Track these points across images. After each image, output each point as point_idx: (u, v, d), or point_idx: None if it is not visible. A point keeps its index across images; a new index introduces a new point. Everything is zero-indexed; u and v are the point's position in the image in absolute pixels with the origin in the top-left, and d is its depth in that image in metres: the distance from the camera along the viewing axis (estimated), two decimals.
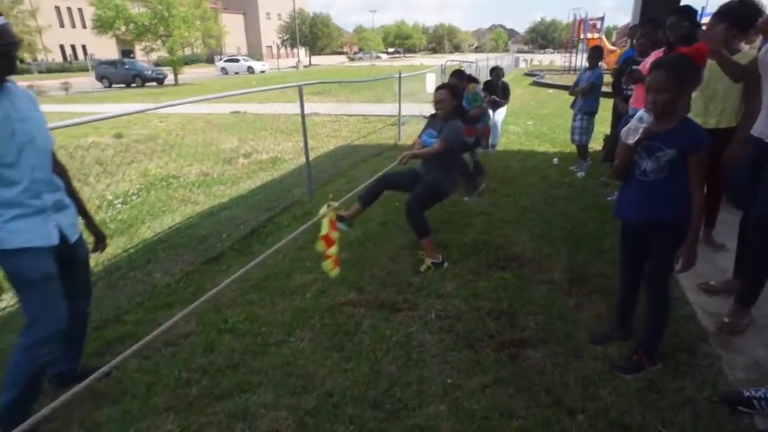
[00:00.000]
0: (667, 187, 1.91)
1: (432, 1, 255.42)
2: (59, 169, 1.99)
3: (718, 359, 2.18)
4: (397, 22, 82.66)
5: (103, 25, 23.61)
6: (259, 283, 3.19)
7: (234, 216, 4.52)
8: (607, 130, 6.02)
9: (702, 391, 2.00)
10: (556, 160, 6.13)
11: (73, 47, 47.45)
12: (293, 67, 42.32)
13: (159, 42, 24.83)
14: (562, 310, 2.71)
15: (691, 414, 1.88)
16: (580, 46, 25.24)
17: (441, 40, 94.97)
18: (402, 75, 8.44)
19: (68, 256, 1.96)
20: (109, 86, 26.52)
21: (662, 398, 1.98)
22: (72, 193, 2.04)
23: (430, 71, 10.49)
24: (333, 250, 2.44)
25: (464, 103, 5.73)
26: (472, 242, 3.67)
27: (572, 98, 5.57)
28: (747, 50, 2.78)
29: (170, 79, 26.23)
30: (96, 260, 3.75)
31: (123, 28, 23.77)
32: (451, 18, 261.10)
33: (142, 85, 26.51)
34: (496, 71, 6.93)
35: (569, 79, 20.17)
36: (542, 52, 74.29)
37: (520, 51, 69.05)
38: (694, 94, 2.99)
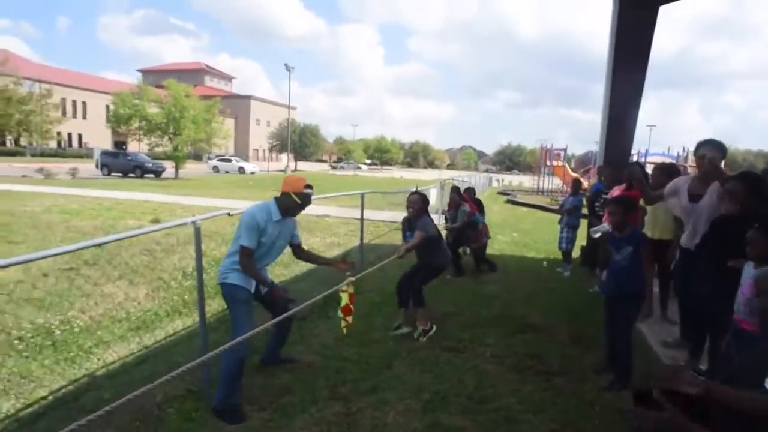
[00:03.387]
0: (629, 269, 3.34)
1: (407, 118, 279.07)
2: (300, 250, 3.57)
3: None
4: (376, 136, 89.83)
5: (118, 121, 25.70)
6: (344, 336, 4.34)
7: (307, 288, 5.70)
8: (584, 242, 7.66)
9: None
10: (545, 263, 7.66)
11: (69, 135, 49.45)
12: (281, 170, 45.06)
13: (165, 138, 26.85)
14: (570, 357, 3.98)
15: None
16: (546, 170, 28.77)
17: (416, 155, 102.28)
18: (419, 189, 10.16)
19: (266, 298, 3.29)
20: (108, 174, 27.87)
21: None
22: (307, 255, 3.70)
23: (433, 187, 12.38)
24: (350, 318, 3.28)
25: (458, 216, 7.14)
26: (496, 315, 4.97)
27: (557, 216, 7.27)
28: None
29: (168, 172, 27.99)
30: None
31: (136, 125, 25.82)
32: (424, 136, 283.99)
33: (141, 176, 28.07)
34: (471, 191, 8.69)
35: (540, 199, 22.83)
36: (509, 173, 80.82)
37: (488, 170, 75.06)
38: (646, 217, 4.62)
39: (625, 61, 7.55)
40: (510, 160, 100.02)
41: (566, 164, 28.36)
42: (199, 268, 3.10)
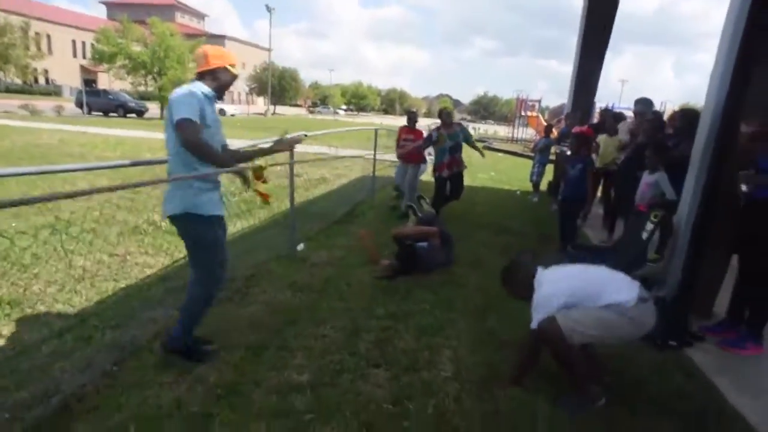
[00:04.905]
0: (578, 180, 4.91)
1: (383, 65, 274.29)
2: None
3: None
4: (354, 82, 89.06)
5: (101, 59, 25.56)
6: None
7: (330, 206, 7.16)
8: (551, 178, 9.30)
9: None
10: (518, 192, 9.33)
11: (35, 70, 47.71)
12: (261, 114, 45.14)
13: (149, 77, 26.89)
14: (540, 248, 5.62)
15: None
16: (521, 120, 30.35)
17: (393, 103, 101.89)
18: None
19: None
20: (89, 113, 27.90)
21: None
22: None
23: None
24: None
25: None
26: (484, 223, 6.55)
27: (529, 161, 8.85)
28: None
29: (151, 112, 28.26)
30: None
31: (119, 63, 25.75)
32: (400, 83, 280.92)
33: (124, 115, 28.17)
34: None
35: (515, 147, 24.44)
36: (484, 122, 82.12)
37: (463, 119, 76.11)
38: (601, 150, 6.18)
39: (593, 27, 8.90)
40: (485, 110, 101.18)
41: (540, 115, 29.92)
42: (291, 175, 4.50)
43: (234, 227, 5.82)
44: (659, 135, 4.50)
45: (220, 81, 2.60)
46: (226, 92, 2.81)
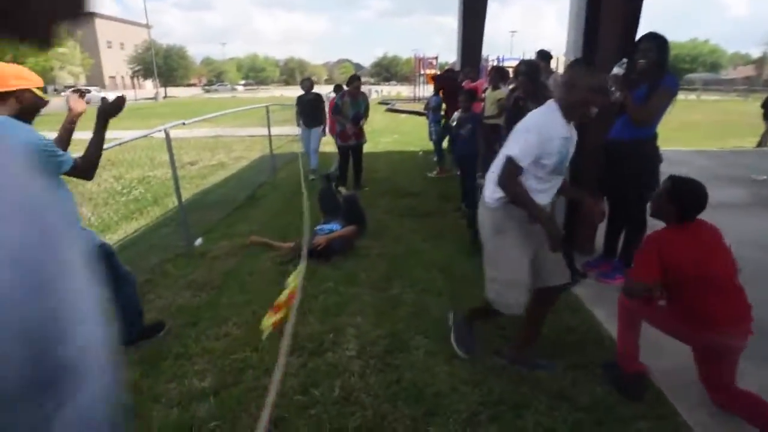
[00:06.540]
0: (470, 139, 5.05)
1: (276, 35, 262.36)
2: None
3: None
4: (249, 54, 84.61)
5: None
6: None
7: (229, 192, 6.83)
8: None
9: None
10: (420, 152, 9.51)
11: None
12: (152, 98, 41.64)
13: None
14: (438, 206, 5.77)
15: None
16: (421, 79, 30.72)
17: (293, 72, 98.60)
18: None
19: None
20: None
21: None
22: None
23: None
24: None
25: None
26: (387, 190, 6.60)
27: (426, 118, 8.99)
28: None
29: None
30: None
31: None
32: (298, 51, 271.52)
33: None
34: None
35: (417, 106, 24.72)
36: (387, 84, 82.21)
37: (366, 83, 75.67)
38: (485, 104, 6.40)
39: None
40: (387, 71, 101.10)
41: (438, 72, 30.42)
42: (173, 162, 4.18)
43: (124, 231, 5.41)
44: (534, 86, 4.70)
45: (24, 103, 2.22)
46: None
